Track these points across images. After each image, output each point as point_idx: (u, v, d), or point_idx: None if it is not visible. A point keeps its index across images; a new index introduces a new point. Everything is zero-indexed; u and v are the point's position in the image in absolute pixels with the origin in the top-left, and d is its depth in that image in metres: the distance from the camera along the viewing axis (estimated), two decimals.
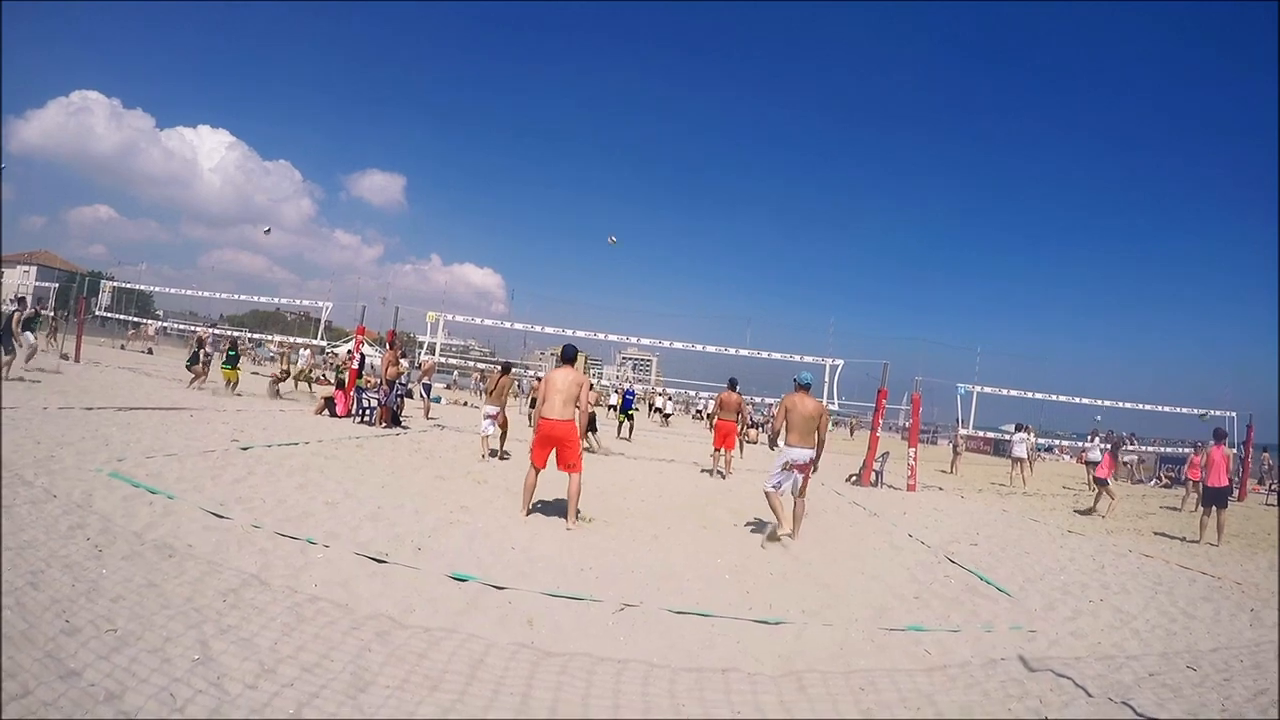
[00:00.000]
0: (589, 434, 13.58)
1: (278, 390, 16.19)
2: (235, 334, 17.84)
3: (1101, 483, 11.33)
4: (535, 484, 6.14)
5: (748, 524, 6.94)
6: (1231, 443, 18.35)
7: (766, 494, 6.28)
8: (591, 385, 6.46)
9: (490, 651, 3.12)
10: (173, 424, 8.81)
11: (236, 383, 14.92)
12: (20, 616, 2.77)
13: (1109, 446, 12.25)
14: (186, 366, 15.49)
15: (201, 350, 15.34)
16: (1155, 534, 9.77)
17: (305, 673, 2.67)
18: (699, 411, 36.56)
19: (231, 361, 15.19)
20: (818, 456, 6.31)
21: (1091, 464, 17.14)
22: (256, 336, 25.01)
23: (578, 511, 5.99)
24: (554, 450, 6.01)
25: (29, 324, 14.67)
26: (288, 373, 17.41)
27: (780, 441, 6.36)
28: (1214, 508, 9.14)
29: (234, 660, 2.68)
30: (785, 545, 5.98)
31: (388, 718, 2.45)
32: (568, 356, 6.47)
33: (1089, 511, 11.28)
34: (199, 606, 3.16)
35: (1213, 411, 18.97)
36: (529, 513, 6.09)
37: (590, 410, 13.53)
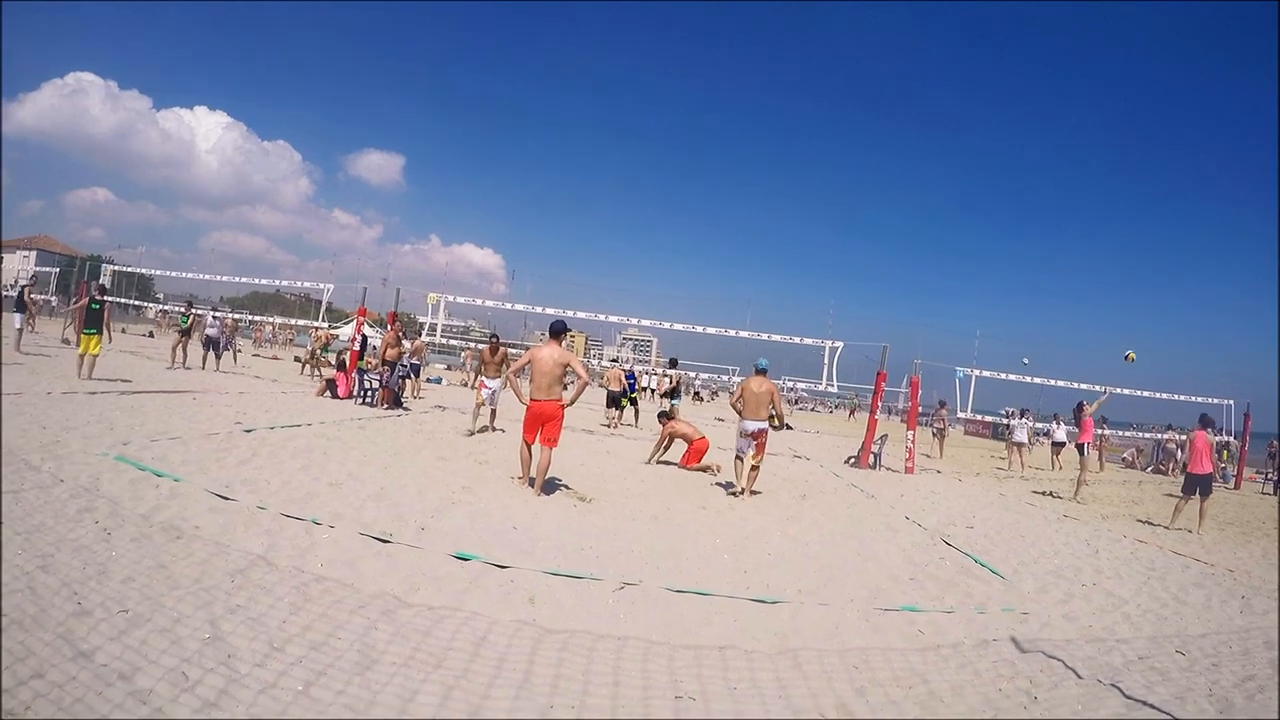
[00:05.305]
0: (616, 409, 14.25)
1: (311, 368, 16.72)
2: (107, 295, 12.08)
3: (1080, 449, 11.86)
4: (530, 457, 6.56)
5: (733, 493, 7.02)
6: (1228, 431, 18.40)
7: (736, 459, 7.76)
8: (570, 361, 6.55)
9: (493, 629, 3.19)
10: (176, 407, 8.87)
11: (88, 353, 10.61)
12: (32, 599, 2.83)
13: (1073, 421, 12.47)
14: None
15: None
16: (1140, 521, 9.85)
17: (313, 650, 2.74)
18: (698, 393, 36.65)
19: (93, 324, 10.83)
20: (780, 426, 7.95)
21: (1057, 445, 17.21)
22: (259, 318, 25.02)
23: (554, 482, 6.59)
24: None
25: (18, 304, 14.21)
26: (315, 353, 17.47)
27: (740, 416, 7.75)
28: (1196, 494, 8.96)
29: (243, 639, 2.74)
30: (741, 498, 7.31)
31: (394, 694, 2.51)
32: (556, 331, 6.65)
33: (1075, 491, 11.37)
34: (207, 587, 3.22)
35: None
36: (527, 481, 6.49)
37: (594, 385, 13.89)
